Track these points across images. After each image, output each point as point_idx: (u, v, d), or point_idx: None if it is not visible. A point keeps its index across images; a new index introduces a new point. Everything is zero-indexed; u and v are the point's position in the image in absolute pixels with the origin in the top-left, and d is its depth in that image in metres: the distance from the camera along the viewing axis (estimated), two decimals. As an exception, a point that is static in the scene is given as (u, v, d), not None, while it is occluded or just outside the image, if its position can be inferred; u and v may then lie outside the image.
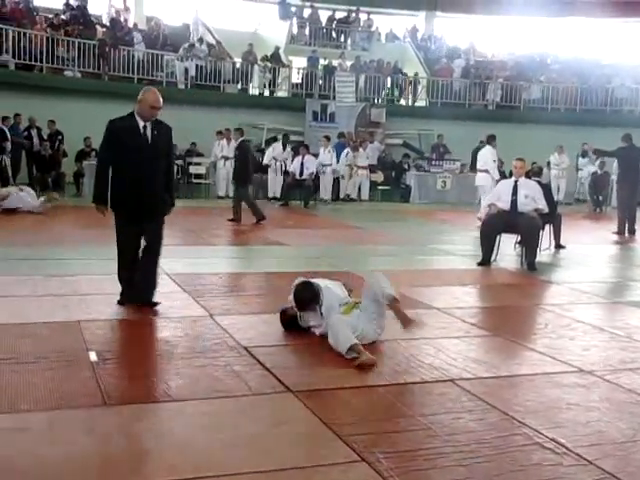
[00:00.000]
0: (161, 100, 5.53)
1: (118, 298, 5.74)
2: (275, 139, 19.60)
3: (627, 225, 12.24)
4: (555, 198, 18.52)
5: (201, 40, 20.92)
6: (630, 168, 12.22)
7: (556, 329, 5.64)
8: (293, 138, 18.28)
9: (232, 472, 3.00)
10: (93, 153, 16.29)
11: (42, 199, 12.40)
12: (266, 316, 5.45)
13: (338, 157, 17.66)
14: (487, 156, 13.55)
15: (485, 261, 8.52)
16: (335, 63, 21.94)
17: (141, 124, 5.49)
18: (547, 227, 9.57)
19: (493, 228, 8.54)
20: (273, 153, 16.93)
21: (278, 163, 16.80)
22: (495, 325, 5.78)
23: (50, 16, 19.76)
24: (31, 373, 4.11)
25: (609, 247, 11.12)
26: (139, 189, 5.50)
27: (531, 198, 8.46)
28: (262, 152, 18.25)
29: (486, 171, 13.47)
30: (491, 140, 13.79)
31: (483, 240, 8.60)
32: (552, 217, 9.71)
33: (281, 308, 5.29)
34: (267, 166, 16.86)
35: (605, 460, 3.23)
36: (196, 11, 22.61)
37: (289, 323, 5.15)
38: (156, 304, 5.69)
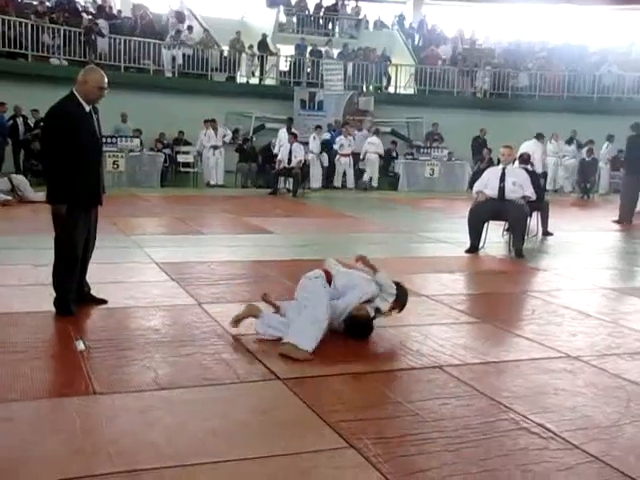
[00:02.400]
0: (106, 81, 5.09)
1: (61, 311, 5.12)
2: (263, 127, 19.58)
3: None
4: (553, 187, 18.76)
5: (190, 28, 20.71)
6: (638, 157, 12.12)
7: (543, 315, 5.68)
8: (279, 126, 18.20)
9: (220, 459, 3.01)
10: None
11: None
12: (254, 304, 5.44)
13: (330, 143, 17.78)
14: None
15: (473, 248, 8.55)
16: (322, 50, 21.88)
17: (87, 108, 5.04)
18: (535, 214, 9.63)
19: (481, 215, 8.56)
20: (282, 142, 16.48)
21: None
22: (483, 312, 5.81)
23: (35, 3, 19.57)
24: (18, 362, 4.09)
25: (597, 234, 11.18)
26: (94, 178, 5.18)
27: (519, 185, 8.48)
28: (250, 139, 18.21)
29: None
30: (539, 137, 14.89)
31: (471, 227, 8.62)
32: (540, 204, 9.75)
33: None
34: (276, 155, 16.43)
35: (590, 444, 3.26)
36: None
37: None
38: (106, 301, 5.49)
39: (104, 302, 5.45)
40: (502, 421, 3.50)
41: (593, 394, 3.93)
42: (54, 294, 5.17)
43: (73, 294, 5.21)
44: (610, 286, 7.02)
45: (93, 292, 5.49)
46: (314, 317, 4.46)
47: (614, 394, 3.94)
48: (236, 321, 4.77)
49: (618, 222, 12.12)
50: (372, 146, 17.95)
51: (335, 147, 17.62)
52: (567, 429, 3.41)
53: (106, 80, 5.08)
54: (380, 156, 18.17)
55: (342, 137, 17.66)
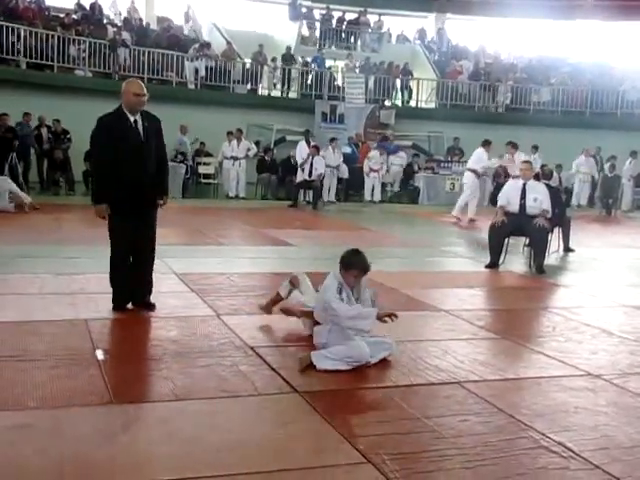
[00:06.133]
0: (144, 88, 5.47)
1: (113, 304, 5.59)
2: (284, 139, 19.62)
3: None
4: (578, 202, 18.59)
5: (208, 44, 20.81)
6: None
7: (564, 332, 5.62)
8: (300, 139, 18.23)
9: (237, 472, 3.00)
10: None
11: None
12: (273, 316, 5.44)
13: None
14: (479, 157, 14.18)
15: (493, 264, 8.49)
16: (342, 64, 21.93)
17: (131, 118, 5.40)
18: (556, 230, 9.55)
19: (502, 231, 8.51)
20: (302, 153, 16.28)
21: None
22: (502, 328, 5.76)
23: (61, 15, 19.84)
24: (38, 371, 4.12)
25: (619, 251, 11.06)
26: (136, 184, 5.42)
27: (539, 201, 8.42)
28: (271, 151, 18.22)
29: (474, 171, 14.10)
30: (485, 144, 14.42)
31: (491, 243, 8.57)
32: (561, 220, 9.68)
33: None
34: (297, 168, 16.29)
35: (612, 465, 3.21)
36: (188, 7, 22.67)
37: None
38: (154, 305, 5.67)
39: (152, 309, 5.62)
40: (521, 439, 3.45)
41: (614, 413, 3.88)
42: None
43: (123, 290, 5.59)
44: (632, 304, 6.93)
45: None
46: (349, 350, 4.40)
47: (637, 414, 3.88)
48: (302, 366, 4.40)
49: None
50: (398, 159, 18.46)
51: (369, 162, 17.43)
52: (588, 449, 3.36)
53: (142, 87, 5.46)
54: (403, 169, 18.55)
55: (376, 152, 17.59)
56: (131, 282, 5.62)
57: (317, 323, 4.78)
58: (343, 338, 4.47)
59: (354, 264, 4.58)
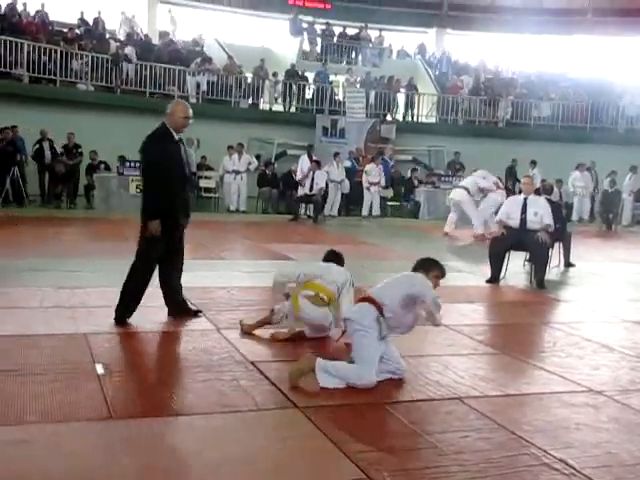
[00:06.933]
0: (191, 111, 5.71)
1: (117, 316, 5.56)
2: (285, 153, 19.65)
3: None
4: (579, 217, 18.56)
5: (209, 59, 20.90)
6: None
7: (565, 347, 5.59)
8: (300, 153, 18.26)
9: (237, 488, 2.98)
10: (102, 166, 16.47)
11: None
12: (273, 331, 5.42)
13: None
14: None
15: (494, 278, 8.47)
16: (343, 79, 22.01)
17: (176, 137, 5.67)
18: (556, 245, 9.53)
19: (502, 245, 8.50)
20: (303, 168, 16.30)
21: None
22: (503, 343, 5.73)
23: (65, 30, 19.96)
24: (38, 385, 4.10)
25: (619, 266, 11.05)
26: (181, 199, 5.72)
27: (540, 216, 8.42)
28: (272, 165, 18.23)
29: (464, 188, 14.01)
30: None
31: (492, 257, 8.55)
32: (562, 235, 9.67)
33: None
34: (299, 182, 16.30)
35: (614, 482, 3.18)
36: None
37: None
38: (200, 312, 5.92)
39: (198, 315, 5.87)
40: (523, 456, 3.43)
41: (616, 430, 3.85)
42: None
43: (133, 304, 5.61)
44: (632, 319, 6.90)
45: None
46: (356, 377, 4.31)
47: (638, 431, 3.85)
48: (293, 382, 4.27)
49: None
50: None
51: (367, 176, 17.34)
52: (590, 466, 3.34)
53: (190, 111, 5.71)
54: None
55: (373, 165, 17.54)
56: (170, 297, 5.80)
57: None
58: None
59: (438, 267, 4.77)
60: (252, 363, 4.68)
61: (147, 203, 5.58)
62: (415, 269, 4.75)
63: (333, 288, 5.25)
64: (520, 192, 9.51)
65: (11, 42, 17.52)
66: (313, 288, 5.26)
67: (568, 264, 10.11)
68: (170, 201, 5.56)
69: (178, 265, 5.87)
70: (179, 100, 6.21)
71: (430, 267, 4.74)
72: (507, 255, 8.62)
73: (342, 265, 5.60)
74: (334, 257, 5.69)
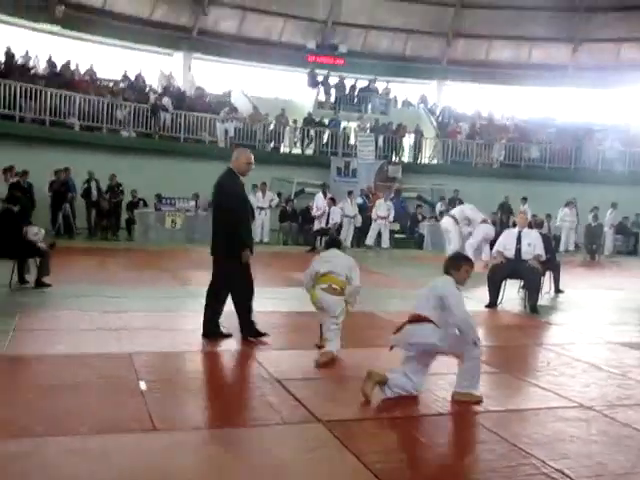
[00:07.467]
0: (253, 157, 5.93)
1: (207, 332, 5.78)
2: (303, 191, 19.74)
3: None
4: (566, 248, 18.48)
5: (235, 109, 21.13)
6: None
7: (557, 367, 5.54)
8: (317, 190, 18.33)
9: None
10: (141, 203, 16.67)
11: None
12: (296, 351, 5.42)
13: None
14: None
15: (492, 304, 8.43)
16: (355, 125, 22.17)
17: (241, 180, 5.91)
18: (547, 273, 9.48)
19: (499, 274, 8.48)
20: (318, 204, 16.61)
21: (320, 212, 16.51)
22: (502, 363, 5.69)
23: (110, 85, 20.37)
24: (88, 399, 4.11)
25: (602, 292, 10.96)
26: (251, 234, 6.07)
27: (533, 246, 8.40)
28: (291, 202, 18.31)
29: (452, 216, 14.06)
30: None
31: (490, 285, 8.53)
32: (552, 264, 9.62)
33: None
34: (316, 217, 16.59)
35: (607, 491, 3.14)
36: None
37: None
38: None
39: (266, 334, 5.91)
40: (524, 466, 3.39)
41: (606, 442, 3.80)
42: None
43: (218, 321, 5.81)
44: (616, 340, 6.83)
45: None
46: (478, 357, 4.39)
47: (625, 443, 3.81)
48: (365, 395, 4.26)
49: None
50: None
51: (377, 210, 17.42)
52: (584, 475, 3.30)
53: (252, 157, 5.94)
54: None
55: (382, 201, 17.62)
56: (243, 320, 5.89)
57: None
58: (463, 343, 4.41)
59: (464, 259, 4.79)
60: (278, 381, 4.67)
61: (240, 236, 5.73)
62: (446, 271, 4.69)
63: (342, 278, 5.53)
64: (514, 225, 9.51)
65: (65, 95, 17.92)
66: (326, 281, 5.50)
67: (558, 291, 10.04)
68: (249, 231, 5.95)
69: (250, 287, 5.96)
70: (242, 148, 6.38)
71: (459, 264, 4.71)
72: (504, 283, 8.59)
73: (340, 247, 5.99)
74: (334, 243, 6.13)
